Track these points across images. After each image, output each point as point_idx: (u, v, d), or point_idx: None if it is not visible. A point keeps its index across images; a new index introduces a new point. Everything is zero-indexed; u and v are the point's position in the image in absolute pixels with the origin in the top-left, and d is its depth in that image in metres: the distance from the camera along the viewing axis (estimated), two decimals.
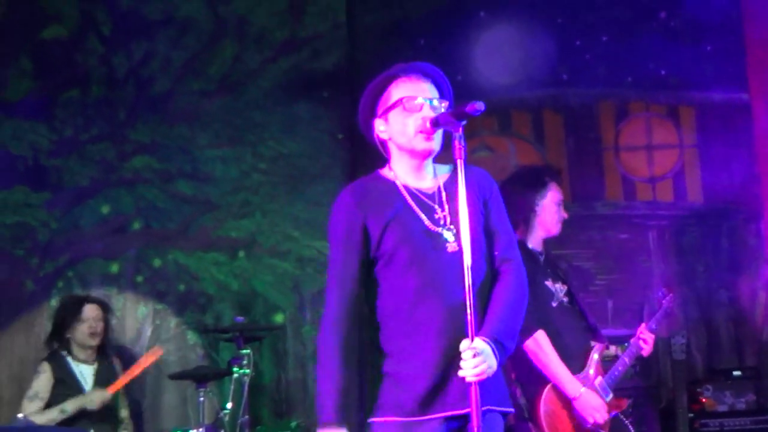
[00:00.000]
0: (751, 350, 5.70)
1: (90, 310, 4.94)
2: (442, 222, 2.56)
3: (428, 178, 2.64)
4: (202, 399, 4.56)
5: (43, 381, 4.81)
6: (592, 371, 3.78)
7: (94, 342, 4.91)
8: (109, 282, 5.68)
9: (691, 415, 4.84)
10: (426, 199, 2.59)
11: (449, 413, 2.48)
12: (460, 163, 2.41)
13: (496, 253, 2.60)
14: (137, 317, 5.67)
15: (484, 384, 2.39)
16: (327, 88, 5.83)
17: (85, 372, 4.91)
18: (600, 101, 5.92)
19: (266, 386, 5.65)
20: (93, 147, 5.81)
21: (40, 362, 4.91)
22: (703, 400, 5.05)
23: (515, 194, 3.82)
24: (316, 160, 5.86)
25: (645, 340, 3.97)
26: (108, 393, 4.76)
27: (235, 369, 4.62)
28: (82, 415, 4.72)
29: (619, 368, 3.90)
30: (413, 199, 2.58)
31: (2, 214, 5.64)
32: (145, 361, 4.98)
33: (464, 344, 2.35)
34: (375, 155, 2.77)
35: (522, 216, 3.92)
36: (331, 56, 5.92)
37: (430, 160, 2.65)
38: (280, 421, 5.45)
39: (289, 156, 5.88)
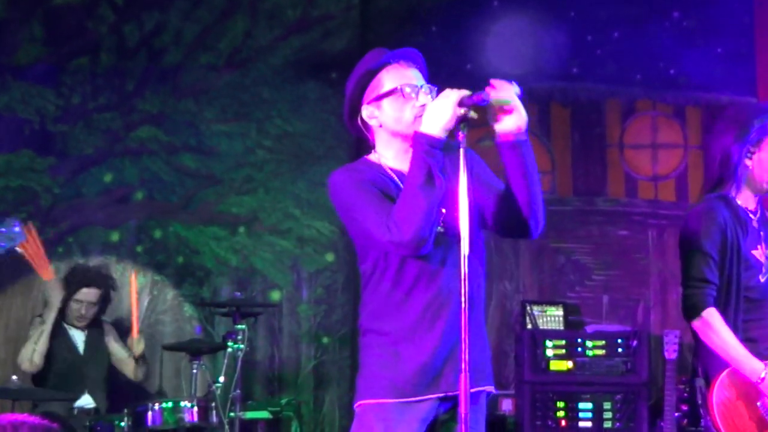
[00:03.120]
0: None
1: (86, 295, 5.01)
2: None
3: None
4: (195, 371, 4.60)
5: (40, 325, 4.91)
6: None
7: (79, 324, 5.01)
8: (109, 250, 5.70)
9: (678, 414, 4.86)
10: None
11: (443, 394, 2.50)
12: (462, 152, 2.42)
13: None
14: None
15: (475, 364, 2.42)
16: (336, 70, 5.83)
17: (76, 336, 5.04)
18: (608, 98, 5.92)
19: (259, 363, 5.68)
20: (99, 116, 5.82)
21: (34, 318, 5.02)
22: None
23: (722, 141, 3.33)
24: (321, 140, 5.87)
25: None
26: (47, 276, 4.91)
27: (229, 344, 4.64)
28: (79, 382, 4.80)
29: None
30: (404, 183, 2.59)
31: (6, 176, 5.67)
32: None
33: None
34: None
35: (727, 170, 3.31)
36: (342, 38, 5.92)
37: None
38: (271, 397, 5.49)
39: (295, 135, 5.89)
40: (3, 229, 3.31)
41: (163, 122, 5.85)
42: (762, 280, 3.25)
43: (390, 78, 2.62)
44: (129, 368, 5.13)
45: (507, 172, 2.56)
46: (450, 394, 2.48)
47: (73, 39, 5.86)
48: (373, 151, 2.69)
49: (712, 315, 3.19)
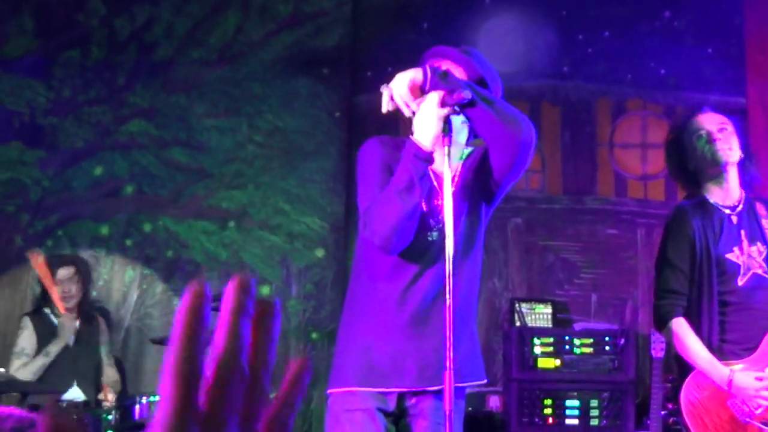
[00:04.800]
0: None
1: (62, 273, 4.99)
2: (434, 209, 2.59)
3: (439, 159, 2.63)
4: None
5: (26, 336, 4.89)
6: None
7: (68, 304, 4.98)
8: (99, 244, 5.70)
9: (665, 411, 4.88)
10: (434, 181, 2.61)
11: (407, 389, 2.54)
12: (446, 150, 2.44)
13: None
14: (124, 281, 5.70)
15: (460, 359, 2.46)
16: (327, 66, 5.83)
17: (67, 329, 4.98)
18: (598, 97, 5.94)
19: None
20: (90, 109, 5.81)
21: (22, 317, 4.99)
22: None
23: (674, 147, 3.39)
24: (311, 136, 5.87)
25: None
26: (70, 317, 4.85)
27: None
28: (69, 374, 4.79)
29: None
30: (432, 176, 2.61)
31: None
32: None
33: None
34: (371, 135, 2.78)
35: (681, 170, 3.39)
36: (333, 34, 5.91)
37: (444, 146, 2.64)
38: None
39: (285, 131, 5.89)
40: None
41: (153, 116, 5.84)
42: (740, 283, 3.25)
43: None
44: (107, 375, 5.12)
45: (477, 128, 2.56)
46: (414, 389, 2.53)
47: (64, 31, 5.85)
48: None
49: (678, 325, 3.25)
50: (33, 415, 2.36)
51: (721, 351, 3.24)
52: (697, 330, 3.25)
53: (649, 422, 4.67)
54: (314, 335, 5.77)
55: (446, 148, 2.44)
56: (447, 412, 2.31)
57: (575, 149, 5.85)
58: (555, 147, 5.92)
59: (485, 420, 5.11)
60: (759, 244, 3.29)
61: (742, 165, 3.40)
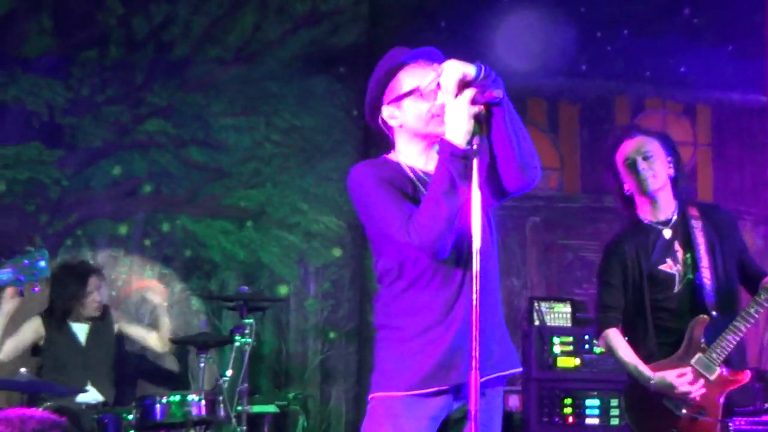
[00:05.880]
0: (751, 352, 5.71)
1: (93, 284, 5.00)
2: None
3: (435, 163, 2.64)
4: (202, 365, 4.61)
5: (32, 326, 4.91)
6: (690, 352, 3.43)
7: (98, 313, 5.01)
8: (117, 244, 5.71)
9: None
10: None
11: (450, 385, 2.51)
12: (476, 162, 2.42)
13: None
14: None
15: (488, 353, 2.45)
16: (344, 64, 5.83)
17: (78, 330, 5.01)
18: (617, 95, 5.91)
19: (266, 357, 5.69)
20: (108, 108, 5.83)
21: (34, 316, 4.98)
22: None
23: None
24: (329, 135, 5.87)
25: None
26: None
27: (236, 338, 4.65)
28: (82, 374, 4.80)
29: (729, 338, 3.42)
30: (422, 184, 2.59)
31: (15, 168, 5.67)
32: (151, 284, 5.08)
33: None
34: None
35: (618, 191, 3.63)
36: (350, 32, 5.91)
37: (436, 145, 2.64)
38: (278, 391, 5.49)
39: (303, 129, 5.89)
40: (26, 262, 3.24)
41: (171, 115, 5.85)
42: (676, 290, 3.51)
43: (409, 78, 2.61)
44: (153, 341, 5.16)
45: (495, 134, 2.52)
46: (460, 384, 2.48)
47: (82, 31, 5.86)
48: (392, 150, 2.68)
49: (609, 336, 3.54)
50: (54, 416, 2.36)
51: (659, 353, 3.50)
52: (635, 336, 3.54)
53: None
54: (332, 334, 5.77)
55: (475, 146, 2.42)
56: (473, 413, 2.30)
57: (594, 148, 5.82)
58: (573, 146, 5.90)
59: (504, 420, 5.07)
60: (692, 250, 3.52)
61: (674, 180, 3.59)
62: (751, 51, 5.80)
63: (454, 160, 2.43)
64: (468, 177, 2.42)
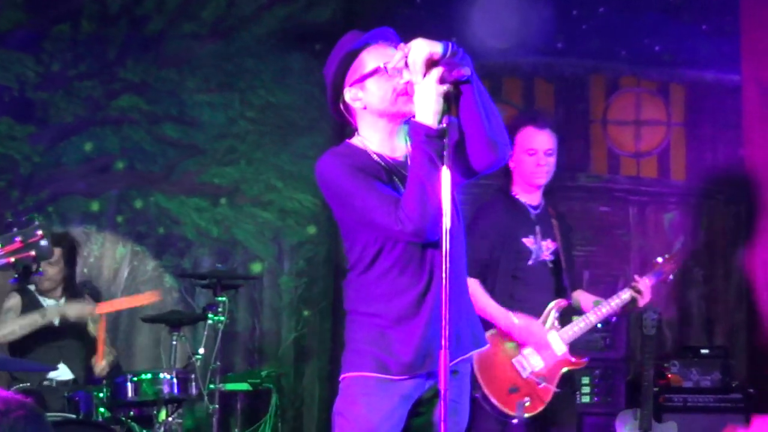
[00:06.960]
0: (722, 329, 5.76)
1: (57, 254, 4.89)
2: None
3: (400, 146, 2.62)
4: (174, 343, 4.60)
5: (14, 302, 4.82)
6: (547, 325, 3.84)
7: (50, 286, 4.88)
8: (89, 220, 5.67)
9: (656, 389, 4.90)
10: (401, 169, 2.57)
11: (426, 371, 2.53)
12: (446, 142, 2.41)
13: None
14: (115, 257, 5.68)
15: (460, 333, 2.48)
16: (320, 41, 5.78)
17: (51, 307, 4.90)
18: (592, 73, 5.91)
19: (240, 335, 5.69)
20: (80, 84, 5.76)
21: (10, 292, 4.92)
22: (669, 375, 5.12)
23: None
24: (304, 112, 5.84)
25: (642, 291, 3.97)
26: (89, 308, 4.77)
27: (210, 315, 4.64)
28: (55, 352, 4.74)
29: (580, 324, 3.90)
30: (390, 168, 2.57)
31: None
32: (141, 299, 5.01)
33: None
34: None
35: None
36: (326, 8, 5.87)
37: (403, 125, 2.62)
38: (251, 369, 5.49)
39: (278, 106, 5.86)
40: (17, 239, 2.96)
41: (144, 91, 5.80)
42: (530, 263, 3.88)
43: (372, 58, 2.57)
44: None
45: (464, 112, 2.50)
46: (434, 370, 2.49)
47: (55, 5, 5.78)
48: (356, 134, 2.65)
49: (471, 284, 3.67)
50: (20, 396, 2.34)
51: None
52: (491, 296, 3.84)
53: (641, 399, 4.70)
54: (306, 312, 5.76)
55: (445, 125, 2.40)
56: (442, 392, 2.30)
57: (569, 126, 5.82)
58: None
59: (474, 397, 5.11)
60: (549, 240, 3.93)
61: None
62: (726, 30, 5.81)
63: (430, 140, 2.42)
64: (443, 157, 2.41)
